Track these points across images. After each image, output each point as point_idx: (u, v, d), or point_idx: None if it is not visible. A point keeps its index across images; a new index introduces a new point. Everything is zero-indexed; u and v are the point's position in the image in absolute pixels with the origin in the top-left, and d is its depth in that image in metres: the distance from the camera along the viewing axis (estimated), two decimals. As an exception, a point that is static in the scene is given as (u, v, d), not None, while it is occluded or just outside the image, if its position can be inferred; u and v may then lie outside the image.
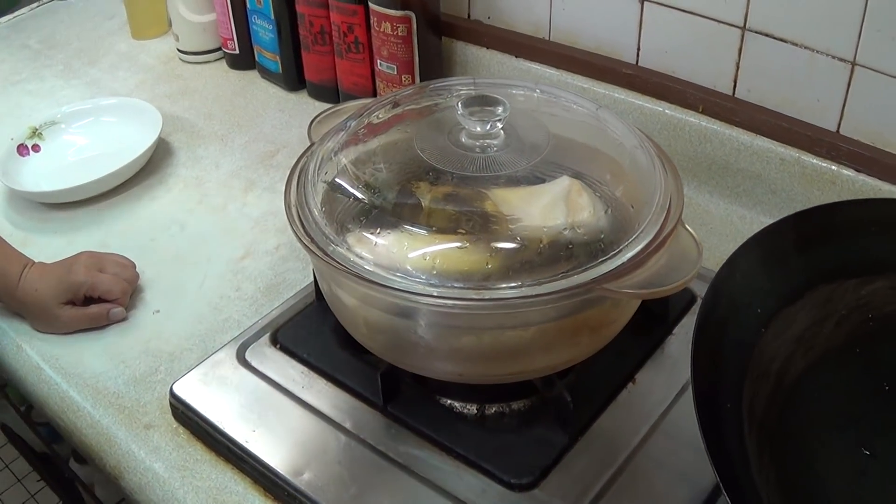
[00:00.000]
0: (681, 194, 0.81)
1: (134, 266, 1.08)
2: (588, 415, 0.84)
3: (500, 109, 0.83)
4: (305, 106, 1.45)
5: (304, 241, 0.78)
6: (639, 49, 1.19)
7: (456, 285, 0.72)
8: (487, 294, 0.71)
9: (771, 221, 0.82)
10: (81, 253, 1.05)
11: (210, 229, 1.18)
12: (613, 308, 0.79)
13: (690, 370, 0.66)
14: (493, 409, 0.86)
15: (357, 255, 0.76)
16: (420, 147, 0.83)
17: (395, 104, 0.93)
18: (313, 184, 0.84)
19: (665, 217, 0.78)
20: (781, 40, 1.05)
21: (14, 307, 1.03)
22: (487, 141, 0.83)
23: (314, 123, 0.94)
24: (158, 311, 1.05)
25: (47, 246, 1.16)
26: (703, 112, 1.13)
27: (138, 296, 1.07)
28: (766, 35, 1.06)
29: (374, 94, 1.34)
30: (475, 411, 0.86)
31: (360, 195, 0.82)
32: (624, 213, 0.81)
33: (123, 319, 1.03)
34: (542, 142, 0.84)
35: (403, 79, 1.29)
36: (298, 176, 0.86)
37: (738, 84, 1.11)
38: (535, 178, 0.82)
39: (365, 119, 0.91)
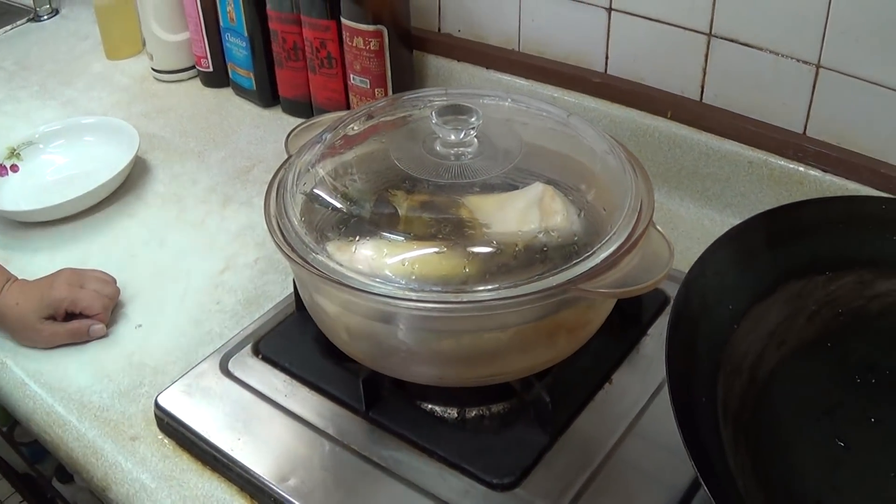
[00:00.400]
0: (651, 196, 0.83)
1: (114, 282, 1.09)
2: (566, 415, 0.85)
3: (473, 118, 0.85)
4: (280, 121, 1.47)
5: (285, 250, 0.80)
6: (607, 58, 1.21)
7: (435, 289, 0.74)
8: (465, 297, 0.73)
9: (741, 223, 0.84)
10: (62, 270, 1.06)
11: (189, 244, 1.19)
12: (588, 309, 0.81)
13: (665, 366, 0.68)
14: (474, 412, 0.87)
15: (337, 263, 0.77)
16: (396, 156, 0.85)
17: (370, 116, 0.94)
18: (292, 195, 0.85)
19: (637, 219, 0.80)
20: (747, 45, 1.07)
21: None
22: (461, 149, 0.85)
23: (291, 136, 0.96)
24: (141, 326, 1.06)
25: (29, 264, 1.16)
26: (672, 118, 1.16)
27: (120, 311, 1.08)
28: (732, 41, 1.08)
29: (348, 109, 1.36)
30: (456, 415, 0.87)
31: (338, 205, 0.84)
32: (596, 217, 0.83)
33: (104, 336, 1.04)
34: (514, 149, 0.86)
35: (376, 92, 1.31)
36: (277, 188, 0.87)
37: (705, 89, 1.14)
38: (509, 185, 0.84)
39: (340, 131, 0.92)
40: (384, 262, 0.77)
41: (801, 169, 1.07)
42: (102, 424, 0.93)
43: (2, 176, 1.32)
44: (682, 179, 1.17)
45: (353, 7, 1.26)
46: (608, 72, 1.22)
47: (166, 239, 1.21)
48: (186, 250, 1.18)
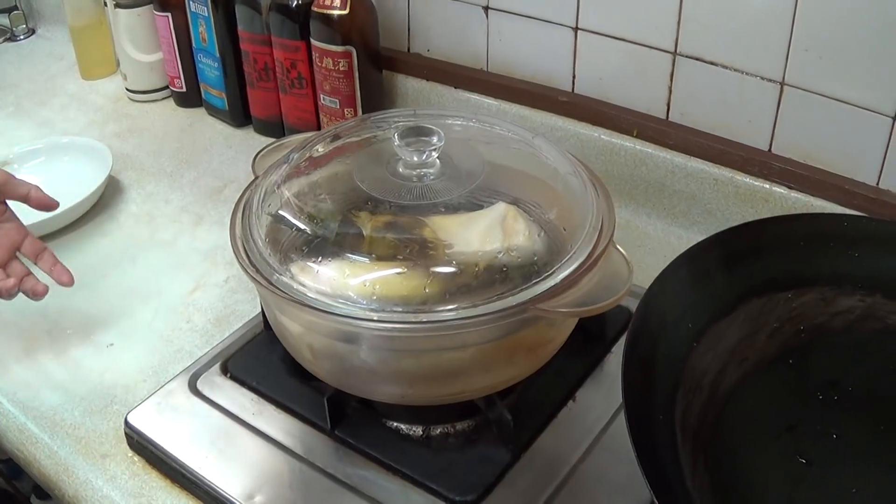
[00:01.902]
0: (612, 215, 0.83)
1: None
2: (530, 433, 0.86)
3: (435, 139, 0.86)
4: (252, 141, 1.47)
5: (249, 271, 0.80)
6: (574, 77, 1.22)
7: (396, 309, 0.75)
8: (425, 317, 0.74)
9: (707, 240, 0.85)
10: None
11: (161, 264, 1.20)
12: (549, 328, 0.82)
13: (621, 384, 0.68)
14: (438, 430, 0.88)
15: (300, 284, 0.78)
16: (359, 178, 0.86)
17: (336, 137, 0.95)
18: (258, 216, 0.86)
19: (597, 238, 0.80)
20: (712, 63, 1.09)
21: None
22: (424, 170, 0.86)
23: (258, 157, 0.96)
24: (112, 345, 1.06)
25: (2, 284, 1.17)
26: (638, 136, 1.17)
27: (93, 329, 1.08)
28: (697, 59, 1.09)
29: (319, 129, 1.37)
30: (421, 433, 0.88)
31: (302, 226, 0.85)
32: (558, 236, 0.84)
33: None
34: (477, 169, 0.87)
35: (346, 112, 1.32)
36: (243, 209, 0.88)
37: (671, 108, 1.15)
38: (472, 205, 0.84)
39: (307, 152, 0.93)
40: (346, 282, 0.78)
41: (767, 186, 1.08)
42: (74, 442, 0.94)
43: (-25, 196, 1.32)
44: (648, 197, 1.19)
45: (322, 28, 1.27)
46: (575, 91, 1.23)
47: (138, 258, 1.21)
48: (158, 270, 1.19)
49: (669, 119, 1.16)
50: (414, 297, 0.76)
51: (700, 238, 0.85)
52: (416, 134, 0.87)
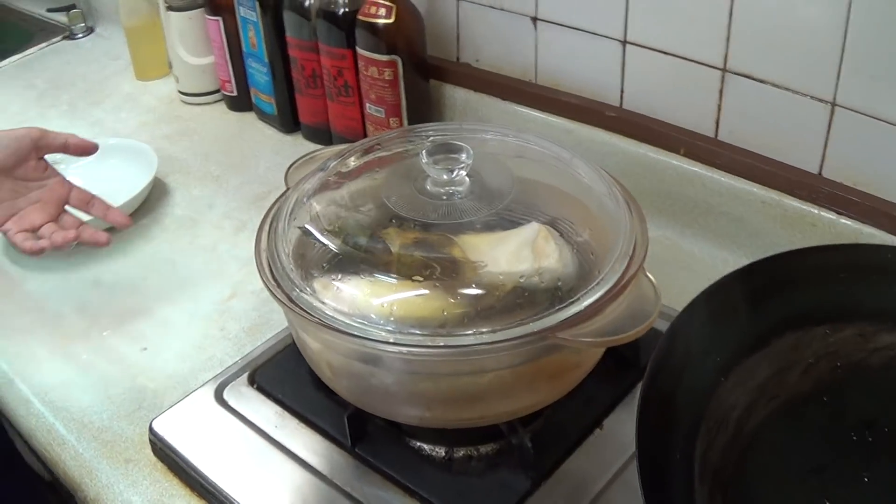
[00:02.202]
0: (645, 239, 0.81)
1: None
2: (553, 460, 0.84)
3: (463, 156, 0.85)
4: (299, 148, 1.47)
5: (270, 286, 0.80)
6: (622, 91, 1.19)
7: (413, 332, 0.73)
8: (442, 341, 0.72)
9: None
10: None
11: (200, 269, 1.20)
12: (574, 355, 0.80)
13: (636, 419, 0.66)
14: (461, 452, 0.86)
15: (320, 301, 0.77)
16: (386, 194, 0.85)
17: (368, 150, 0.94)
18: (284, 229, 0.85)
19: (628, 264, 0.78)
20: (761, 81, 1.05)
21: None
22: (452, 188, 0.85)
23: (291, 169, 0.96)
24: (146, 349, 1.07)
25: (45, 283, 1.19)
26: (685, 154, 1.14)
27: (129, 332, 1.09)
28: (746, 76, 1.06)
29: (365, 137, 1.35)
30: (443, 454, 0.86)
31: (326, 241, 0.84)
32: (587, 259, 0.82)
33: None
34: (507, 188, 0.85)
35: (391, 122, 1.31)
36: (271, 221, 0.87)
37: (720, 126, 1.12)
38: (502, 223, 0.83)
39: (339, 166, 0.92)
40: (368, 301, 0.77)
41: (815, 211, 1.05)
42: (100, 445, 0.94)
43: (22, 194, 1.33)
44: (695, 217, 1.15)
45: (367, 36, 1.26)
46: (623, 105, 1.20)
47: (178, 262, 1.22)
48: (196, 275, 1.19)
49: (718, 137, 1.13)
50: (433, 319, 0.75)
51: (747, 261, 0.81)
52: (445, 151, 0.85)
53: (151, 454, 0.93)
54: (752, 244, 1.11)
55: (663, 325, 0.74)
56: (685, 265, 1.13)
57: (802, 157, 1.06)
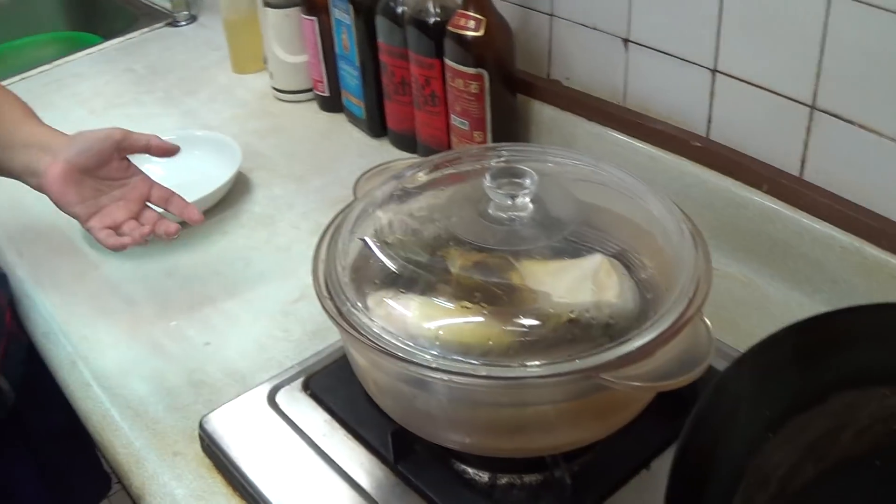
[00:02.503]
0: (708, 279, 0.78)
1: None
2: (592, 498, 0.82)
3: (527, 181, 0.83)
4: (385, 153, 1.47)
5: (322, 298, 0.80)
6: (710, 121, 1.17)
7: (457, 358, 0.72)
8: (484, 371, 0.71)
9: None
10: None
11: (272, 268, 1.21)
12: (621, 395, 0.78)
13: (670, 471, 0.64)
14: (505, 479, 0.85)
15: (369, 318, 0.77)
16: (448, 215, 0.84)
17: (439, 166, 0.94)
18: (344, 241, 0.86)
19: (686, 306, 0.76)
20: (850, 122, 1.01)
21: None
22: (514, 213, 0.83)
23: (361, 179, 0.96)
24: (209, 344, 1.08)
25: (118, 269, 1.22)
26: (768, 191, 1.11)
27: (194, 325, 1.11)
28: (835, 116, 1.03)
29: (450, 148, 1.35)
30: (486, 480, 0.85)
31: (385, 256, 0.83)
32: (646, 297, 0.80)
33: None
34: (571, 215, 0.84)
35: (475, 135, 1.30)
36: (333, 231, 0.88)
37: (805, 165, 1.08)
38: (565, 251, 0.82)
39: (408, 181, 0.92)
40: (417, 323, 0.77)
41: (894, 261, 1.01)
42: (151, 435, 0.96)
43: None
44: (773, 257, 1.12)
45: (455, 48, 1.25)
46: (710, 136, 1.17)
47: (251, 260, 1.23)
48: (268, 274, 1.20)
49: (803, 177, 1.09)
50: (477, 347, 0.74)
51: (822, 308, 0.78)
52: (509, 175, 0.84)
53: (199, 449, 0.94)
54: (830, 290, 1.07)
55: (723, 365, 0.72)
56: (759, 305, 1.09)
57: (887, 203, 1.02)
